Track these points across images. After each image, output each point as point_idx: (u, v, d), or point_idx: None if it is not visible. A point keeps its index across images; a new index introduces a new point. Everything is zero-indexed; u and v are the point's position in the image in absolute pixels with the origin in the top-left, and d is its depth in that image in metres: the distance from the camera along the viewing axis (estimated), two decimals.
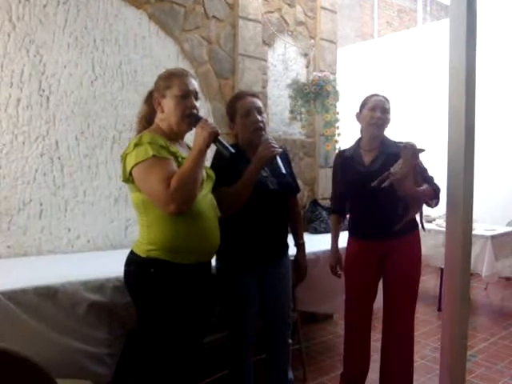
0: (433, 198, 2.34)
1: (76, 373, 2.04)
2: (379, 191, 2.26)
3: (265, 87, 3.92)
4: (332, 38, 4.41)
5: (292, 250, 2.46)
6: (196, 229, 1.83)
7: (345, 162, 2.57)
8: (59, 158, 2.85)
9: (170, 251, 1.79)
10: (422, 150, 2.22)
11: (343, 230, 2.76)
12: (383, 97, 2.50)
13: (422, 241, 2.55)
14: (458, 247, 2.75)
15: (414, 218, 2.47)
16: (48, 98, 2.80)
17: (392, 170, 2.23)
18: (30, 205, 2.75)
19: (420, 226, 2.52)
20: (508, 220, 5.17)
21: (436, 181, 2.39)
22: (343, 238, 2.70)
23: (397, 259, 2.45)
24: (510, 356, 3.41)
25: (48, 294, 2.07)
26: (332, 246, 2.71)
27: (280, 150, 2.10)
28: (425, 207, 2.45)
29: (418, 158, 2.25)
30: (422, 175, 2.35)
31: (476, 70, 2.89)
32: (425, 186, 2.31)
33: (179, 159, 1.81)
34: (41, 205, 2.79)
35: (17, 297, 1.99)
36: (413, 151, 2.21)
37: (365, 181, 2.35)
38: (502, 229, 4.75)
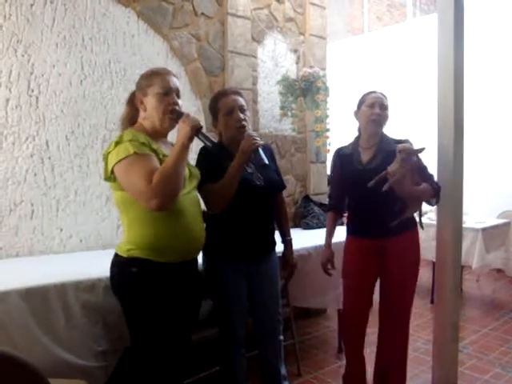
0: (432, 196, 2.32)
1: (70, 372, 2.04)
2: (376, 190, 2.20)
3: (255, 84, 3.92)
4: (321, 34, 4.42)
5: (280, 247, 2.46)
6: (178, 227, 1.81)
7: (343, 160, 2.54)
8: (50, 158, 2.84)
9: (149, 250, 1.77)
10: (421, 150, 2.17)
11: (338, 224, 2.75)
12: (381, 93, 2.46)
13: None
14: (448, 241, 2.79)
15: (413, 217, 2.46)
16: (37, 98, 2.78)
17: (389, 168, 2.17)
18: (21, 205, 2.74)
19: (419, 224, 2.51)
20: (498, 212, 5.21)
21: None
22: (336, 234, 2.70)
23: (394, 257, 2.42)
24: (500, 347, 3.45)
25: (40, 295, 2.06)
26: (325, 244, 2.68)
27: (262, 142, 2.09)
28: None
29: (415, 158, 2.20)
30: (421, 173, 2.31)
31: (466, 66, 2.91)
32: (423, 185, 2.28)
33: (160, 156, 1.80)
34: (32, 205, 2.78)
35: (8, 298, 1.98)
36: (410, 153, 2.16)
37: (362, 179, 2.30)
38: (492, 221, 4.80)
